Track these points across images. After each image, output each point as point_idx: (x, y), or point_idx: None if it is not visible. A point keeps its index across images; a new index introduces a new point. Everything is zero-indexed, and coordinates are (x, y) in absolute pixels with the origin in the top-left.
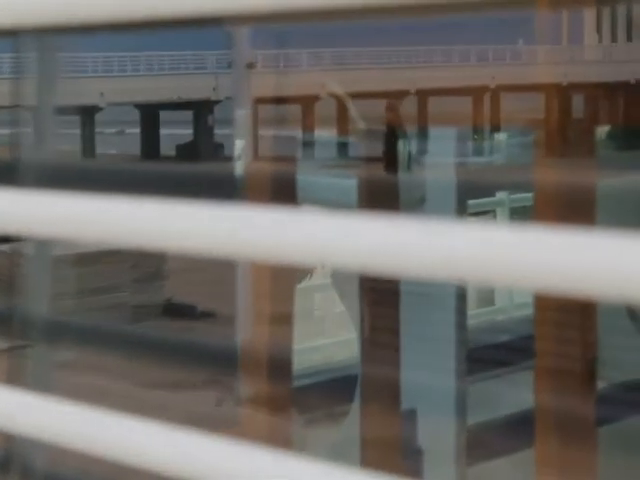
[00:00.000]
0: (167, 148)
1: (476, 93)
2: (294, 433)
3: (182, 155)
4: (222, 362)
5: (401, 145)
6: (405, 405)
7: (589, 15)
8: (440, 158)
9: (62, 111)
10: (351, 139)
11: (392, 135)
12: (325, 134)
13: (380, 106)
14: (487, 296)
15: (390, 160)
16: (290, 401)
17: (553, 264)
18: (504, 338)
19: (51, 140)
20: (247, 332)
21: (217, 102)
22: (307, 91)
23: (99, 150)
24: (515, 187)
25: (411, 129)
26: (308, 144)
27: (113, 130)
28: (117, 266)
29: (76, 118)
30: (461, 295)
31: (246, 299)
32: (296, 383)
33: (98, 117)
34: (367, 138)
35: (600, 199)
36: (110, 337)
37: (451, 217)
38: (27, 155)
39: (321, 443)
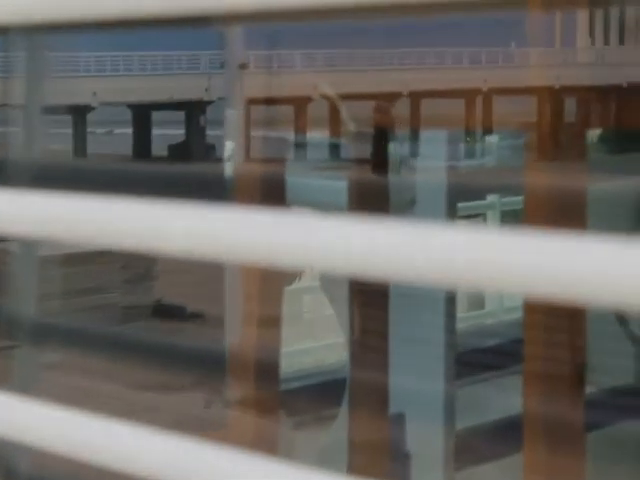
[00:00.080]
0: (159, 148)
1: (468, 95)
2: (282, 436)
3: (174, 155)
4: (210, 364)
5: (392, 147)
6: (393, 409)
7: (582, 18)
8: (431, 160)
9: (54, 110)
10: (343, 141)
11: (383, 137)
12: (317, 135)
13: (372, 108)
14: (477, 299)
15: (381, 162)
16: (278, 404)
17: (543, 269)
18: (493, 342)
19: (39, 139)
20: (236, 334)
21: (209, 102)
22: (299, 92)
23: (90, 150)
24: (506, 190)
25: (402, 131)
26: (299, 145)
27: (102, 130)
28: (107, 267)
29: (68, 118)
30: (451, 298)
31: (235, 301)
32: (284, 386)
33: (90, 117)
34: (358, 140)
35: (591, 203)
36: (98, 339)
37: (441, 220)
38: (14, 154)
39: (309, 446)
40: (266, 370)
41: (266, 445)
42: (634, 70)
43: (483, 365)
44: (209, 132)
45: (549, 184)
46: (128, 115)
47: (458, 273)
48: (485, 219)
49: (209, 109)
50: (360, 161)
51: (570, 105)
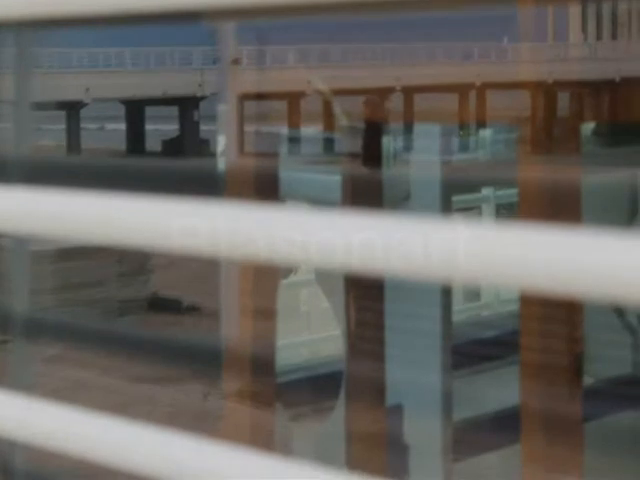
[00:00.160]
0: (153, 144)
1: (461, 90)
2: (279, 428)
3: (167, 151)
4: (207, 356)
5: (385, 141)
6: (390, 400)
7: (574, 13)
8: (425, 154)
9: (47, 106)
10: (336, 135)
11: (375, 131)
12: (310, 130)
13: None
14: (473, 291)
15: (374, 156)
16: (275, 396)
17: (541, 263)
18: (490, 333)
19: (30, 135)
20: (232, 327)
21: (203, 98)
22: (292, 87)
23: (84, 146)
24: (500, 183)
25: (396, 125)
26: (293, 140)
27: (94, 126)
28: (102, 260)
29: (61, 113)
30: (447, 290)
31: (231, 293)
32: (281, 378)
33: (83, 112)
34: (351, 134)
35: (585, 195)
36: (94, 332)
37: (436, 213)
38: (5, 150)
39: (306, 438)
40: (263, 362)
41: (263, 437)
42: (626, 64)
43: (480, 357)
44: (203, 127)
45: (543, 177)
46: (119, 110)
47: (456, 268)
48: (480, 212)
49: (202, 104)
50: (353, 155)
51: (563, 99)
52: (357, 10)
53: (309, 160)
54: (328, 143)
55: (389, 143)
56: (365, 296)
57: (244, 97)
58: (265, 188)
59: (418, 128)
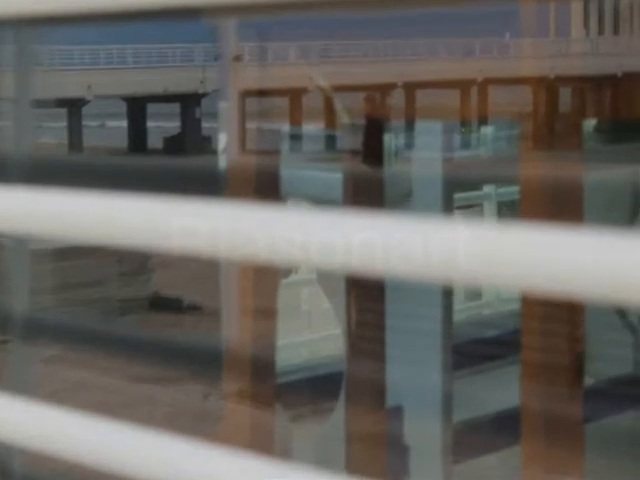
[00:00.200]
0: (154, 141)
1: (463, 86)
2: (279, 428)
3: (169, 148)
4: (208, 356)
5: (386, 138)
6: (391, 401)
7: (576, 8)
8: (426, 151)
9: (49, 104)
10: (338, 132)
11: (376, 128)
12: (312, 127)
13: (369, 100)
14: (474, 290)
15: (375, 154)
16: (275, 396)
17: (540, 263)
18: (491, 333)
19: (30, 133)
20: (233, 326)
21: (205, 95)
22: (294, 84)
23: (85, 143)
24: (502, 180)
25: (397, 122)
26: (294, 137)
27: (95, 123)
28: (103, 260)
29: (62, 111)
30: (448, 290)
31: (232, 293)
32: (282, 378)
33: (84, 110)
34: (353, 131)
35: (587, 191)
36: (95, 333)
37: (437, 211)
38: (5, 148)
39: (307, 438)
40: (263, 362)
41: (263, 438)
42: (628, 60)
43: (481, 356)
44: (204, 124)
45: (545, 174)
46: (120, 108)
47: (456, 269)
48: (482, 209)
49: (204, 101)
50: (355, 153)
51: (565, 95)
52: (358, 7)
53: (310, 157)
54: (330, 140)
55: (390, 140)
56: (366, 296)
57: (246, 94)
58: (266, 185)
59: (419, 125)
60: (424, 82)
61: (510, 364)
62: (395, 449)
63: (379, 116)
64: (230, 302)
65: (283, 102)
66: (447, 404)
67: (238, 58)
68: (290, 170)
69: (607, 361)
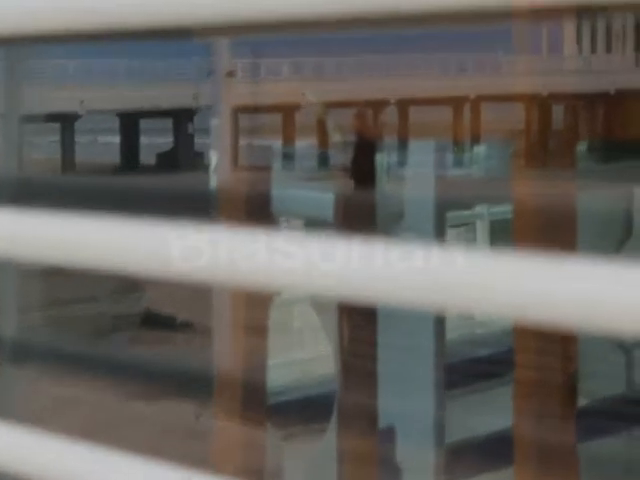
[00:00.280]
0: (147, 157)
1: (456, 103)
2: (271, 448)
3: (161, 163)
4: (200, 375)
5: (378, 156)
6: (383, 421)
7: (569, 26)
8: (418, 170)
9: (41, 119)
10: (330, 150)
11: (367, 146)
12: (305, 144)
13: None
14: None
15: (367, 172)
16: (267, 416)
17: (534, 294)
18: (484, 351)
19: (17, 151)
20: (225, 345)
21: (197, 110)
22: (286, 100)
23: (77, 159)
24: (495, 199)
25: (389, 140)
26: (287, 154)
27: (86, 139)
28: (93, 275)
29: (55, 125)
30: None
31: (224, 311)
32: (273, 398)
33: (77, 125)
34: (344, 149)
35: (580, 211)
36: (85, 352)
37: (430, 229)
38: None
39: (299, 459)
40: (254, 382)
41: (254, 457)
42: (621, 77)
43: (474, 375)
44: (197, 140)
45: (537, 193)
46: (113, 123)
47: (446, 296)
48: (474, 229)
49: (197, 117)
50: (347, 170)
51: (558, 113)
52: (350, 26)
53: (303, 176)
54: (322, 157)
55: (382, 158)
56: (357, 314)
57: (238, 109)
58: (258, 204)
59: (412, 143)
60: (416, 99)
61: (503, 384)
62: (387, 470)
63: (371, 134)
64: (222, 320)
65: (276, 118)
66: (439, 425)
67: (231, 74)
68: (282, 189)
69: (600, 380)
